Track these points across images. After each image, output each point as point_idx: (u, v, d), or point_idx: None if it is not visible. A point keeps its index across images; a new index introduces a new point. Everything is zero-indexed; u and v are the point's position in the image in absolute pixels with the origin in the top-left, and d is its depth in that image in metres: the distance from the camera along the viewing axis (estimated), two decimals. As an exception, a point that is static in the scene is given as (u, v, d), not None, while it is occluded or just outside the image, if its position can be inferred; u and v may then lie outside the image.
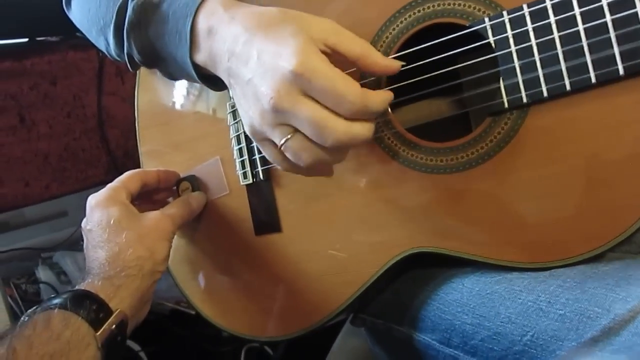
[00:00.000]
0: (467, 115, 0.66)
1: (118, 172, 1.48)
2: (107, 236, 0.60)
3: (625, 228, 0.47)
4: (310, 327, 0.64)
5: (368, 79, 0.57)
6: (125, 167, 1.48)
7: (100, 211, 0.62)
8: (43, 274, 1.46)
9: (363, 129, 0.47)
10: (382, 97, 0.48)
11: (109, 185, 0.66)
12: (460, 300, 0.54)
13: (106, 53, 0.68)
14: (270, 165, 0.66)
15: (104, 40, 0.65)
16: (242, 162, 0.67)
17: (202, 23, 0.53)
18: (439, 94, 0.57)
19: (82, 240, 0.63)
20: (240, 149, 0.67)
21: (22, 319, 0.52)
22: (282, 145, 0.48)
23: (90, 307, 0.53)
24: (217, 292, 0.71)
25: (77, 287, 0.56)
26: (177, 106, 0.73)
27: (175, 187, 0.72)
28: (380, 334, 0.67)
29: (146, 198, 0.71)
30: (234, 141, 0.68)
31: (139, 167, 0.80)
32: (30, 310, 0.53)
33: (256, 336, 0.70)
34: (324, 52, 0.47)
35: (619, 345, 0.41)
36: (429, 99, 0.66)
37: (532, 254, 0.51)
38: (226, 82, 0.53)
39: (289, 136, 0.48)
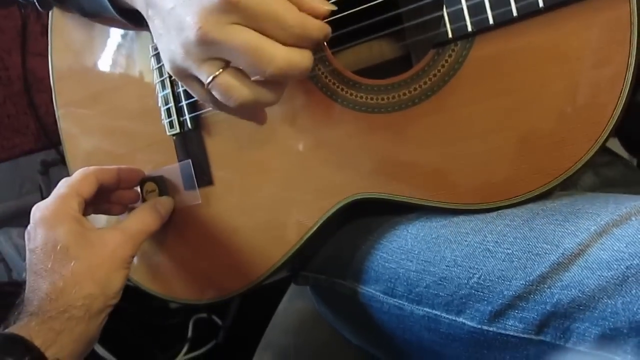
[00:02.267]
0: (409, 60, 0.62)
1: (48, 140, 1.39)
2: (50, 265, 0.51)
3: (573, 162, 0.45)
4: (248, 285, 0.60)
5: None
6: (56, 135, 1.40)
7: (46, 231, 0.53)
8: None
9: (303, 57, 0.42)
10: (321, 24, 0.43)
11: (58, 192, 0.56)
12: (404, 247, 0.51)
13: None
14: (198, 112, 0.60)
15: None
16: (168, 110, 0.61)
17: None
18: (379, 35, 0.53)
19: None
20: (165, 96, 0.61)
21: None
22: (209, 83, 0.43)
23: (22, 357, 0.45)
24: (148, 256, 0.66)
25: (8, 330, 0.48)
26: (95, 53, 0.66)
27: (138, 188, 0.64)
28: (324, 291, 0.64)
29: (102, 198, 0.62)
30: (158, 87, 0.62)
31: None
32: None
33: (194, 300, 0.65)
34: None
35: (568, 280, 0.39)
36: (368, 41, 0.62)
37: (480, 194, 0.48)
38: (144, 14, 0.47)
39: (217, 72, 0.42)
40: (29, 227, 0.55)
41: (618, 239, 0.38)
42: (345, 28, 0.51)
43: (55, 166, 1.62)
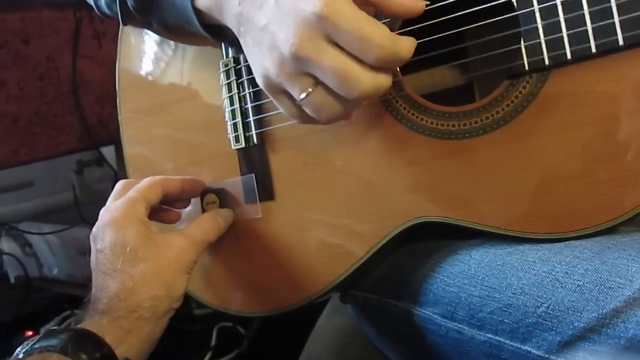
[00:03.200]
0: (471, 89, 0.63)
1: (91, 140, 1.42)
2: (120, 265, 0.53)
3: (644, 199, 0.45)
4: (304, 301, 0.61)
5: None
6: (98, 136, 1.43)
7: (115, 232, 0.54)
8: (7, 245, 1.41)
9: (386, 80, 0.44)
10: (410, 44, 0.44)
11: (128, 196, 0.58)
12: (467, 272, 0.52)
13: (95, 7, 0.63)
14: (265, 129, 0.62)
15: None
16: (235, 124, 0.63)
17: None
18: (446, 62, 0.54)
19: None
20: (232, 111, 0.63)
21: (14, 356, 0.47)
22: (302, 99, 0.45)
23: (94, 353, 0.46)
24: (204, 267, 0.67)
25: (80, 326, 0.49)
26: (162, 66, 0.68)
27: (200, 199, 0.65)
28: (372, 310, 0.64)
29: (165, 205, 0.64)
30: (226, 102, 0.63)
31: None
32: (25, 347, 0.47)
33: (247, 312, 0.66)
34: None
35: (644, 316, 0.40)
36: (435, 67, 0.63)
37: (548, 224, 0.49)
38: (235, 30, 0.49)
39: (310, 89, 0.44)
40: (95, 227, 0.57)
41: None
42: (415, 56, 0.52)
43: (90, 167, 1.66)
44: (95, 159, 1.62)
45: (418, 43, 0.44)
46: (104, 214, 0.57)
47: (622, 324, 0.40)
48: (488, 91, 0.51)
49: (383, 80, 0.43)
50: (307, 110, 0.46)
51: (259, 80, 0.47)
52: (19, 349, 0.48)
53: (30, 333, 1.26)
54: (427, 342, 0.56)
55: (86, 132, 1.42)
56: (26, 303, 1.33)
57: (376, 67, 0.43)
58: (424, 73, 0.65)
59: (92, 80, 1.41)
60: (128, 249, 0.53)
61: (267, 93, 0.48)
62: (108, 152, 1.56)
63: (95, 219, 0.59)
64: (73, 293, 1.40)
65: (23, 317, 1.32)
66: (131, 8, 0.56)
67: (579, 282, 0.44)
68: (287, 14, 0.42)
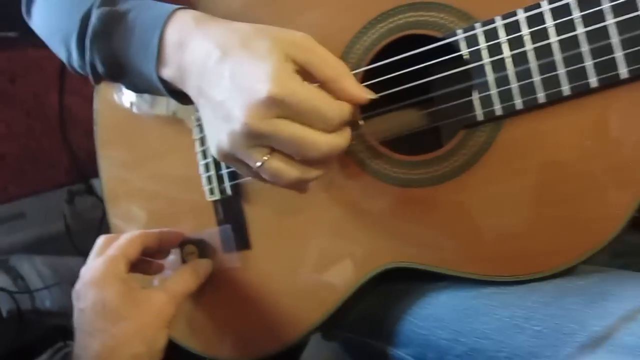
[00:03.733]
0: (437, 128, 0.65)
1: (79, 174, 1.44)
2: (101, 325, 0.55)
3: (598, 242, 0.47)
4: (282, 347, 0.62)
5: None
6: (87, 169, 1.44)
7: (96, 291, 0.56)
8: None
9: (343, 138, 0.47)
10: (352, 109, 0.47)
11: (107, 254, 0.59)
12: (435, 315, 0.54)
13: (67, 65, 0.65)
14: (238, 180, 0.64)
15: (66, 51, 0.62)
16: (209, 177, 0.65)
17: (172, 35, 0.51)
18: (412, 106, 0.56)
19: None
20: (206, 164, 0.65)
21: None
22: (258, 167, 0.47)
23: None
24: (186, 314, 0.68)
25: None
26: (140, 120, 0.70)
27: (179, 249, 0.67)
28: (354, 348, 0.66)
29: (146, 256, 0.65)
30: (199, 156, 0.65)
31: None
32: None
33: (227, 358, 0.68)
34: (297, 70, 0.45)
35: (594, 362, 0.41)
36: (401, 110, 0.65)
37: (509, 267, 0.51)
38: (194, 100, 0.51)
39: (265, 158, 0.46)
40: (77, 286, 0.59)
41: (643, 326, 0.40)
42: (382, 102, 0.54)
43: (81, 196, 1.67)
44: (85, 187, 1.63)
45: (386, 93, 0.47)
46: (85, 273, 0.59)
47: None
48: (453, 133, 0.52)
49: (340, 139, 0.46)
50: (265, 176, 0.48)
51: (213, 150, 0.49)
52: None
53: None
54: None
55: (74, 165, 1.44)
56: (19, 337, 1.32)
57: (330, 132, 0.45)
58: (392, 116, 0.67)
59: (79, 115, 1.43)
60: (109, 308, 0.55)
61: (220, 161, 0.50)
62: (98, 182, 1.57)
63: (87, 247, 0.61)
64: (66, 324, 1.42)
65: (16, 350, 1.31)
66: (101, 73, 0.58)
67: (537, 327, 0.46)
68: (242, 93, 0.44)
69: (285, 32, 0.47)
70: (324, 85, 0.47)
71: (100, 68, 0.58)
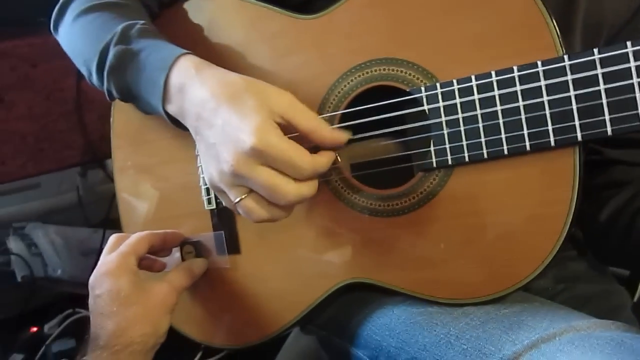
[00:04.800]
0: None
1: (93, 154, 1.53)
2: (115, 308, 0.63)
3: (522, 277, 0.57)
4: (263, 339, 0.73)
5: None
6: (100, 151, 1.54)
7: (110, 280, 0.65)
8: (14, 244, 1.49)
9: (310, 189, 0.56)
10: (326, 160, 0.56)
11: (120, 250, 0.68)
12: (388, 325, 0.64)
13: (87, 79, 0.74)
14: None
15: (87, 71, 0.71)
16: (207, 189, 0.75)
17: (175, 79, 0.60)
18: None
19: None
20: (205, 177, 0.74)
21: None
22: (235, 203, 0.56)
23: None
24: (183, 305, 0.77)
25: (85, 358, 0.61)
26: (150, 130, 0.79)
27: (179, 248, 0.77)
28: (324, 343, 0.77)
29: (151, 253, 0.74)
30: (200, 170, 0.75)
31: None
32: None
33: (217, 344, 0.78)
34: (279, 124, 0.54)
35: (503, 380, 0.51)
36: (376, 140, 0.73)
37: (449, 291, 0.60)
38: (192, 135, 0.60)
39: (242, 197, 0.56)
40: (92, 278, 0.69)
41: (542, 354, 0.49)
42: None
43: (93, 169, 1.77)
44: (98, 164, 1.72)
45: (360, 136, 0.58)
46: (101, 265, 0.69)
47: (487, 385, 0.52)
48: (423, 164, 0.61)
49: (306, 189, 0.55)
50: (239, 211, 0.57)
51: (207, 179, 0.59)
52: None
53: (35, 329, 1.36)
54: None
55: (89, 147, 1.54)
56: (31, 301, 1.42)
57: (301, 181, 0.54)
58: (371, 142, 0.76)
59: (94, 100, 1.51)
60: (122, 295, 0.65)
61: (211, 189, 0.59)
62: (110, 162, 1.66)
63: (98, 218, 0.70)
64: (75, 292, 1.46)
65: (28, 313, 1.41)
66: (116, 97, 0.68)
67: (464, 346, 0.55)
68: (229, 140, 0.54)
69: (272, 91, 0.56)
70: (305, 135, 0.56)
71: (115, 94, 0.67)
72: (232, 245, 0.74)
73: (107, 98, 0.72)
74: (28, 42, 1.39)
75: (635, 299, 0.92)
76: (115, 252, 0.69)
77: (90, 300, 0.67)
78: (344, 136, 0.58)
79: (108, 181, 1.68)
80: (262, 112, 0.54)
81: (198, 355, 1.40)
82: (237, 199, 0.56)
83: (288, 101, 0.56)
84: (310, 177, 0.55)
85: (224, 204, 0.61)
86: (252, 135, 0.52)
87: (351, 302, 0.71)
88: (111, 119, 0.84)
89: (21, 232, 1.56)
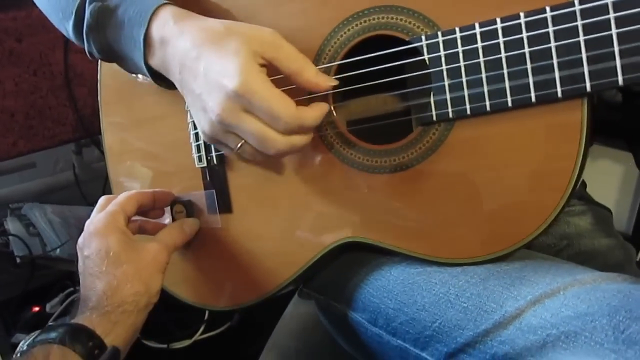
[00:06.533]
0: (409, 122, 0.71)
1: (85, 130, 1.50)
2: (105, 268, 0.62)
3: (525, 235, 0.54)
4: (259, 299, 0.71)
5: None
6: (92, 126, 1.51)
7: (99, 240, 0.63)
8: (12, 225, 1.48)
9: (301, 140, 0.54)
10: (316, 114, 0.54)
11: (108, 209, 0.66)
12: (386, 287, 0.61)
13: (67, 37, 0.71)
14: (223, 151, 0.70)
15: (65, 31, 0.68)
16: (198, 146, 0.72)
17: (155, 33, 0.58)
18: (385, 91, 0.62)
19: (76, 258, 0.64)
20: (196, 134, 0.72)
21: (19, 348, 0.56)
22: (237, 150, 0.54)
23: (87, 343, 0.56)
24: (176, 266, 0.76)
25: (74, 321, 0.58)
26: (139, 85, 0.76)
27: (170, 207, 0.74)
28: (322, 307, 0.75)
29: (140, 214, 0.73)
30: (190, 126, 0.72)
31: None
32: (28, 340, 0.57)
33: (211, 306, 0.76)
34: (263, 65, 0.52)
35: (505, 337, 0.49)
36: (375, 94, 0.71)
37: (451, 251, 0.58)
38: (179, 88, 0.58)
39: (240, 143, 0.53)
40: (81, 238, 0.67)
41: (546, 309, 0.48)
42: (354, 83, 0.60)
43: (88, 147, 1.74)
44: (92, 140, 1.69)
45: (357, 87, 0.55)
46: (89, 225, 0.66)
47: (490, 342, 0.50)
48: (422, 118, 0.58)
49: (296, 140, 0.53)
50: (246, 156, 0.55)
51: (200, 133, 0.57)
52: (22, 342, 0.58)
53: (37, 309, 1.36)
54: (359, 340, 0.66)
55: (80, 122, 1.50)
56: (32, 280, 1.41)
57: (288, 134, 0.52)
58: (370, 98, 0.73)
59: (84, 73, 1.48)
60: (111, 254, 0.63)
61: (207, 142, 0.57)
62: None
63: (95, 196, 0.68)
64: (75, 270, 1.49)
65: (30, 293, 1.40)
66: (98, 57, 0.65)
67: (464, 304, 0.53)
68: (213, 87, 0.51)
69: (254, 30, 0.54)
70: (289, 78, 0.54)
71: (97, 54, 0.65)
72: (224, 204, 0.71)
73: (90, 58, 0.69)
74: (11, 16, 1.35)
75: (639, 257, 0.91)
76: (103, 211, 0.67)
77: (79, 262, 0.65)
78: (330, 81, 0.55)
79: (104, 159, 1.67)
80: (243, 53, 0.51)
81: (201, 329, 1.39)
82: (238, 145, 0.54)
83: (271, 40, 0.53)
84: (297, 131, 0.53)
85: (225, 154, 0.58)
86: (234, 77, 0.50)
87: (348, 264, 0.68)
88: (98, 75, 0.81)
89: (18, 213, 1.56)
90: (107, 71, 0.81)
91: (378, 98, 0.69)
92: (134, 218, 0.71)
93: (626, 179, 1.11)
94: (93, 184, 1.65)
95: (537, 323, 0.47)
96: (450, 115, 0.56)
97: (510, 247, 0.55)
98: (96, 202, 0.71)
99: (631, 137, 0.75)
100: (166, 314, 1.36)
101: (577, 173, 0.52)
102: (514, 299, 0.50)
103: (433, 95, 0.56)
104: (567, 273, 0.51)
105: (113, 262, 0.62)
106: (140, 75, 0.76)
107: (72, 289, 1.39)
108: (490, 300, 0.52)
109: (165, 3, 0.59)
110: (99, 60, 0.82)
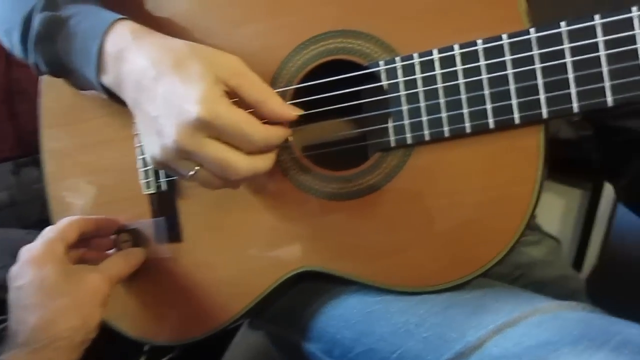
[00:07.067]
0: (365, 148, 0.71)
1: (24, 149, 1.43)
2: (39, 300, 0.57)
3: (485, 262, 0.54)
4: (207, 333, 0.67)
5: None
6: (32, 145, 1.43)
7: (34, 269, 0.59)
8: None
9: (265, 162, 0.52)
10: (282, 132, 0.52)
11: (46, 236, 0.62)
12: (343, 316, 0.60)
13: (10, 51, 0.67)
14: (173, 177, 0.67)
15: (9, 42, 0.64)
16: (146, 172, 0.68)
17: (110, 47, 0.54)
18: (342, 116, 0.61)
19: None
20: (144, 159, 0.68)
21: None
22: (190, 176, 0.51)
23: None
24: (119, 298, 0.71)
25: (1, 358, 0.54)
26: (83, 108, 0.72)
27: (115, 236, 0.70)
28: (274, 338, 0.72)
29: (82, 243, 0.68)
30: (137, 151, 0.69)
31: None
32: None
33: (156, 341, 0.72)
34: (227, 92, 0.50)
35: (466, 368, 0.48)
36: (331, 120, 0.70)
37: (408, 279, 0.57)
38: (131, 108, 0.55)
39: (195, 169, 0.51)
40: (15, 266, 0.62)
41: (508, 338, 0.47)
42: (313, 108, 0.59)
43: (27, 167, 1.66)
44: (33, 159, 1.62)
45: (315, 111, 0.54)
46: (24, 252, 0.62)
47: (451, 373, 0.49)
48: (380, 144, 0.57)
49: (261, 163, 0.51)
50: (197, 183, 0.52)
51: (148, 158, 0.53)
52: None
53: None
54: None
55: (20, 140, 1.43)
56: None
57: (254, 153, 0.50)
58: (327, 123, 0.72)
59: (28, 89, 1.41)
60: (47, 284, 0.58)
61: (154, 167, 0.54)
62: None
63: (32, 219, 0.63)
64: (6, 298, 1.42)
65: None
66: (44, 72, 0.61)
67: (425, 334, 0.52)
68: (172, 112, 0.48)
69: (219, 56, 0.52)
70: (253, 106, 0.52)
71: (43, 68, 0.61)
72: (173, 233, 0.68)
73: (35, 73, 0.65)
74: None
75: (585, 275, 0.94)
76: (41, 238, 0.62)
77: (10, 294, 0.60)
78: (295, 111, 0.54)
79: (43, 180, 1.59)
80: (207, 79, 0.49)
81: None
82: (191, 172, 0.51)
83: (236, 67, 0.51)
84: (263, 150, 0.51)
85: (177, 178, 0.55)
86: (197, 104, 0.47)
87: (303, 293, 0.66)
88: (39, 97, 0.77)
89: (-53, 237, 1.46)
90: (49, 92, 0.76)
91: (334, 123, 0.68)
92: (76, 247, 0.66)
93: (567, 212, 1.15)
94: (30, 206, 1.56)
95: (499, 353, 0.46)
96: (409, 140, 0.55)
97: (470, 274, 0.54)
98: (32, 225, 0.66)
99: (611, 173, 0.76)
100: (103, 346, 1.29)
101: (535, 197, 0.52)
102: (475, 328, 0.50)
103: (391, 120, 0.55)
104: (527, 302, 0.51)
105: (47, 293, 0.58)
106: (88, 92, 0.72)
107: (4, 316, 1.31)
108: (451, 329, 0.51)
109: (123, 18, 0.56)
110: (40, 83, 0.78)
